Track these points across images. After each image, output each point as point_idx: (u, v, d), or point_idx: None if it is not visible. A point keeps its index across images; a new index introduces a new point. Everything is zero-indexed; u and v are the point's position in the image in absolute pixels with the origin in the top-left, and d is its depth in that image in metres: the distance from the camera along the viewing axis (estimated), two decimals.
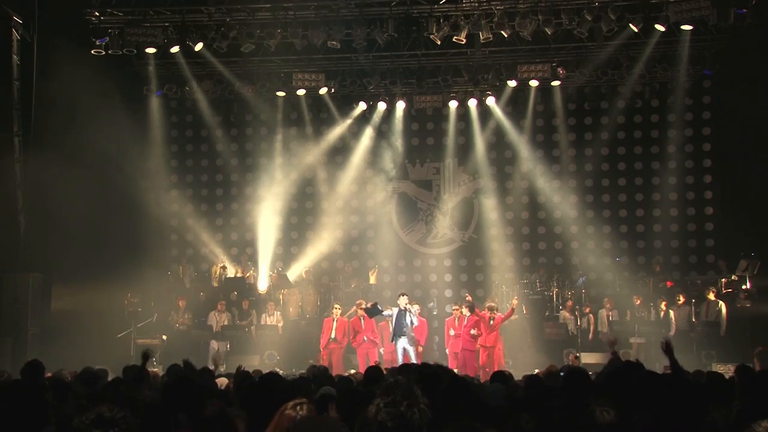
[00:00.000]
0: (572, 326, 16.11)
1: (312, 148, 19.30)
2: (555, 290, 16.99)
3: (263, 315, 16.51)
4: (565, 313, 16.36)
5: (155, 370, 11.31)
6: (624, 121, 18.75)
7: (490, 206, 19.02)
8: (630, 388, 4.76)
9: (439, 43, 15.99)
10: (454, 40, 15.68)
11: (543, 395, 5.51)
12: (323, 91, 17.77)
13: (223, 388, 7.43)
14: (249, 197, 19.39)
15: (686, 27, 15.41)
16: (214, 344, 15.88)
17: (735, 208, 17.29)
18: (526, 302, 16.95)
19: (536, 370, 11.53)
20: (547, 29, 15.43)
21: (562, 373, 7.73)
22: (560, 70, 17.23)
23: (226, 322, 16.31)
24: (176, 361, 8.33)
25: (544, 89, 18.09)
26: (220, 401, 5.35)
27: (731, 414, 4.83)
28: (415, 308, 14.87)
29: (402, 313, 14.45)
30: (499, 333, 14.74)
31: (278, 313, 16.41)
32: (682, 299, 15.50)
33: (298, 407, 3.68)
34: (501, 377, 7.47)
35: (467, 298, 15.45)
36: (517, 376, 8.97)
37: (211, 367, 8.72)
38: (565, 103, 18.55)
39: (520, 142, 18.98)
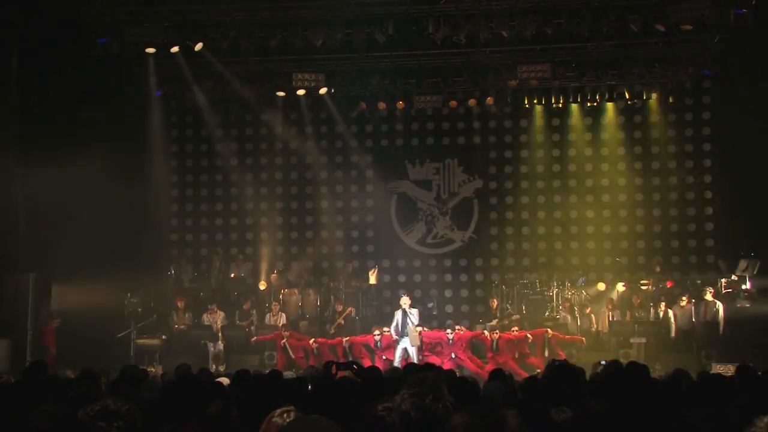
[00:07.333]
0: (573, 326, 16.10)
1: (312, 148, 19.32)
2: (555, 290, 16.99)
3: (267, 315, 16.52)
4: (564, 313, 16.35)
5: (155, 369, 11.33)
6: (624, 121, 18.76)
7: (490, 206, 19.04)
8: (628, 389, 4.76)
9: (439, 43, 15.98)
10: (454, 40, 15.67)
11: (538, 394, 5.51)
12: (323, 91, 17.73)
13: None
14: (249, 197, 19.39)
15: (686, 27, 15.41)
16: (212, 346, 15.92)
17: (735, 208, 17.27)
18: (526, 302, 16.97)
19: (537, 371, 11.57)
20: (547, 29, 15.42)
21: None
22: (560, 70, 17.23)
23: (220, 323, 16.29)
24: (176, 361, 8.35)
25: (544, 89, 18.08)
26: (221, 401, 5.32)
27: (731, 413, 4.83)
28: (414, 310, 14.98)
29: (404, 314, 14.53)
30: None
31: (283, 314, 16.39)
32: (685, 300, 15.49)
33: (285, 414, 3.65)
34: (500, 376, 7.45)
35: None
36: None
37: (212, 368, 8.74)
38: (565, 103, 18.55)
39: (520, 142, 18.99)
